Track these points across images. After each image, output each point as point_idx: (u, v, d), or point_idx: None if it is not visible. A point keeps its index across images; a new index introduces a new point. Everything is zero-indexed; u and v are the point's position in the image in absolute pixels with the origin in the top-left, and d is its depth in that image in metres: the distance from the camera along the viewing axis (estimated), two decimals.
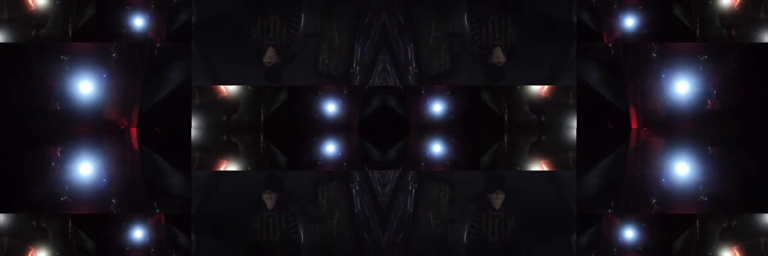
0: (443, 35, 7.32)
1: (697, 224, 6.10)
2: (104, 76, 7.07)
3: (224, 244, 6.10)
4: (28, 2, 7.04)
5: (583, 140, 7.10)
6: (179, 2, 7.14)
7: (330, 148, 7.35)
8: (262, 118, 7.35)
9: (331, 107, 7.41)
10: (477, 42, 7.29)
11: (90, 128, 7.08)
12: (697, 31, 7.11)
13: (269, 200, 6.53)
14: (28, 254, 5.92)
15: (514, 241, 6.13)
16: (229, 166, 7.11)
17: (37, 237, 6.05)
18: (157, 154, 7.06)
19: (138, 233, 6.18)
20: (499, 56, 7.21)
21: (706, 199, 6.38)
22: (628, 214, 6.29)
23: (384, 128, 7.40)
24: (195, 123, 7.18)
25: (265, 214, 6.44)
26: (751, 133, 7.09)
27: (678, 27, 7.13)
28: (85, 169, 6.84)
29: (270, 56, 7.22)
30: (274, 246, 6.15)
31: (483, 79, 7.33)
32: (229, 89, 7.33)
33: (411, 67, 7.33)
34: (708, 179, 6.68)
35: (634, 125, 7.19)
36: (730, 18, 7.10)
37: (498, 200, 6.58)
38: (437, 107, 7.43)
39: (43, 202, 6.42)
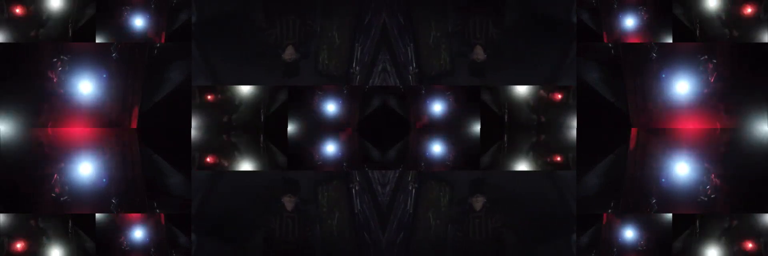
0: (443, 35, 7.32)
1: (697, 224, 6.10)
2: (104, 76, 7.07)
3: (224, 244, 6.10)
4: (28, 2, 7.04)
5: (583, 140, 7.10)
6: (179, 2, 7.14)
7: (330, 148, 7.35)
8: (262, 118, 7.36)
9: (331, 107, 7.41)
10: (471, 41, 7.29)
11: (90, 128, 7.08)
12: (697, 31, 7.11)
13: (289, 203, 6.53)
14: (27, 254, 5.92)
15: (514, 241, 6.12)
16: (229, 166, 7.11)
17: (37, 237, 6.04)
18: (157, 154, 7.06)
19: (138, 233, 6.18)
20: (479, 53, 7.21)
21: (706, 199, 6.38)
22: (628, 214, 6.29)
23: (384, 127, 7.40)
24: (195, 123, 7.18)
25: (268, 213, 6.43)
26: (751, 132, 7.09)
27: (678, 27, 7.13)
28: (85, 169, 6.84)
29: (290, 53, 7.22)
30: (273, 246, 6.14)
31: (472, 78, 7.33)
32: (229, 89, 7.33)
33: (411, 67, 7.33)
34: (708, 179, 6.67)
35: (634, 125, 7.19)
36: (730, 18, 7.10)
37: (478, 203, 6.57)
38: (437, 107, 7.43)
39: (43, 202, 6.41)
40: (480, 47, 7.21)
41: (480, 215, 6.38)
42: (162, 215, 6.37)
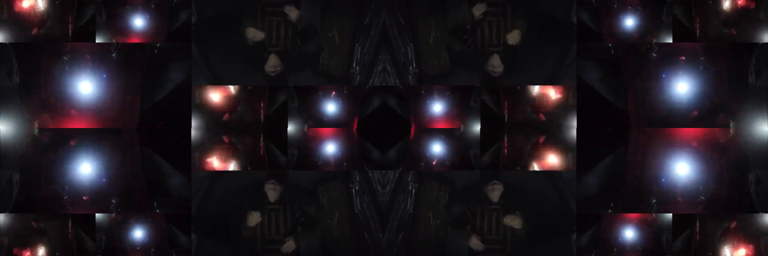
0: (443, 35, 7.32)
1: (697, 224, 6.11)
2: (104, 76, 7.07)
3: (224, 244, 6.10)
4: (28, 2, 7.04)
5: (583, 140, 7.11)
6: (179, 2, 7.14)
7: (330, 148, 7.36)
8: (262, 118, 7.36)
9: (331, 107, 7.42)
10: (474, 45, 7.30)
11: (90, 128, 7.08)
12: (697, 31, 7.12)
13: (272, 191, 6.53)
14: (28, 254, 5.92)
15: (514, 241, 6.13)
16: (229, 166, 7.11)
17: (37, 237, 6.05)
18: (157, 154, 7.07)
19: (138, 233, 6.18)
20: (496, 65, 7.21)
21: (706, 199, 6.38)
22: (628, 214, 6.30)
23: (384, 127, 7.41)
24: (195, 123, 7.18)
25: (266, 212, 6.44)
26: (751, 132, 7.10)
27: (678, 27, 7.13)
28: (85, 169, 6.85)
29: (273, 65, 7.23)
30: (273, 246, 6.15)
31: (472, 78, 7.34)
32: (229, 89, 7.34)
33: (411, 67, 7.33)
34: (708, 179, 6.68)
35: (634, 125, 7.20)
36: (730, 18, 7.11)
37: (496, 191, 6.57)
38: (437, 107, 7.44)
39: (43, 202, 6.42)
40: (497, 57, 7.21)
41: (481, 215, 6.38)
42: (162, 215, 6.37)
